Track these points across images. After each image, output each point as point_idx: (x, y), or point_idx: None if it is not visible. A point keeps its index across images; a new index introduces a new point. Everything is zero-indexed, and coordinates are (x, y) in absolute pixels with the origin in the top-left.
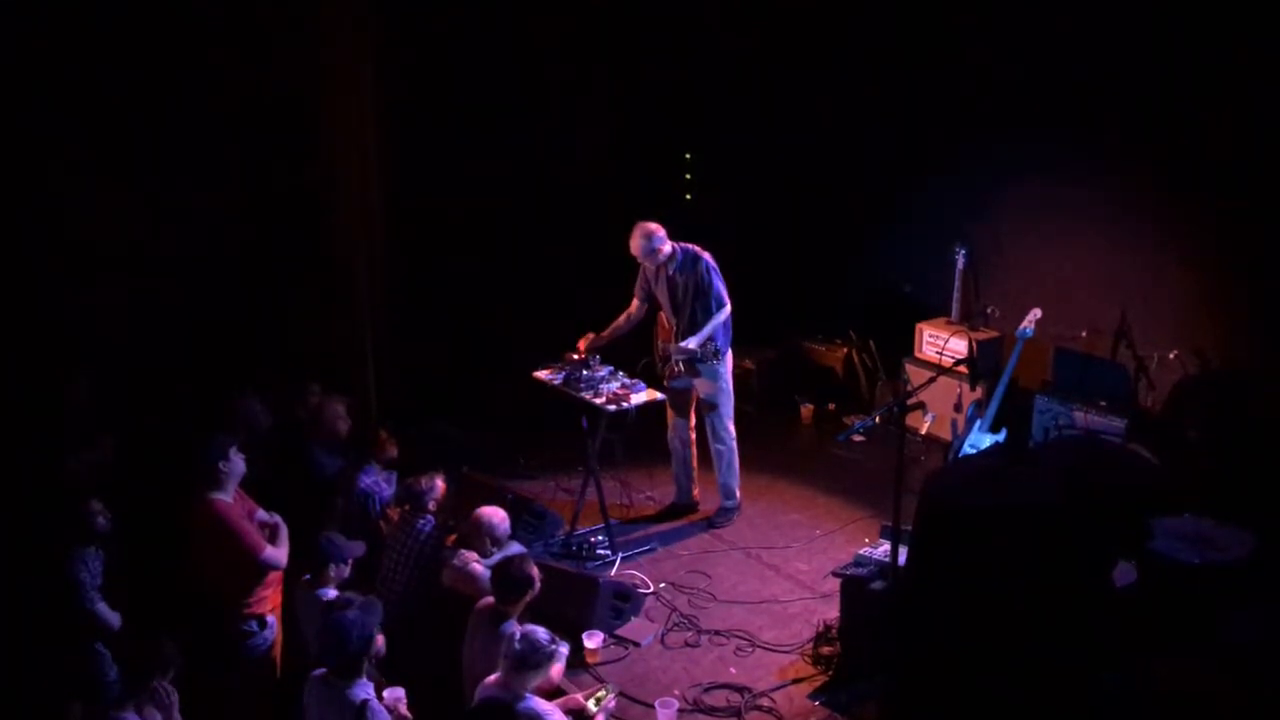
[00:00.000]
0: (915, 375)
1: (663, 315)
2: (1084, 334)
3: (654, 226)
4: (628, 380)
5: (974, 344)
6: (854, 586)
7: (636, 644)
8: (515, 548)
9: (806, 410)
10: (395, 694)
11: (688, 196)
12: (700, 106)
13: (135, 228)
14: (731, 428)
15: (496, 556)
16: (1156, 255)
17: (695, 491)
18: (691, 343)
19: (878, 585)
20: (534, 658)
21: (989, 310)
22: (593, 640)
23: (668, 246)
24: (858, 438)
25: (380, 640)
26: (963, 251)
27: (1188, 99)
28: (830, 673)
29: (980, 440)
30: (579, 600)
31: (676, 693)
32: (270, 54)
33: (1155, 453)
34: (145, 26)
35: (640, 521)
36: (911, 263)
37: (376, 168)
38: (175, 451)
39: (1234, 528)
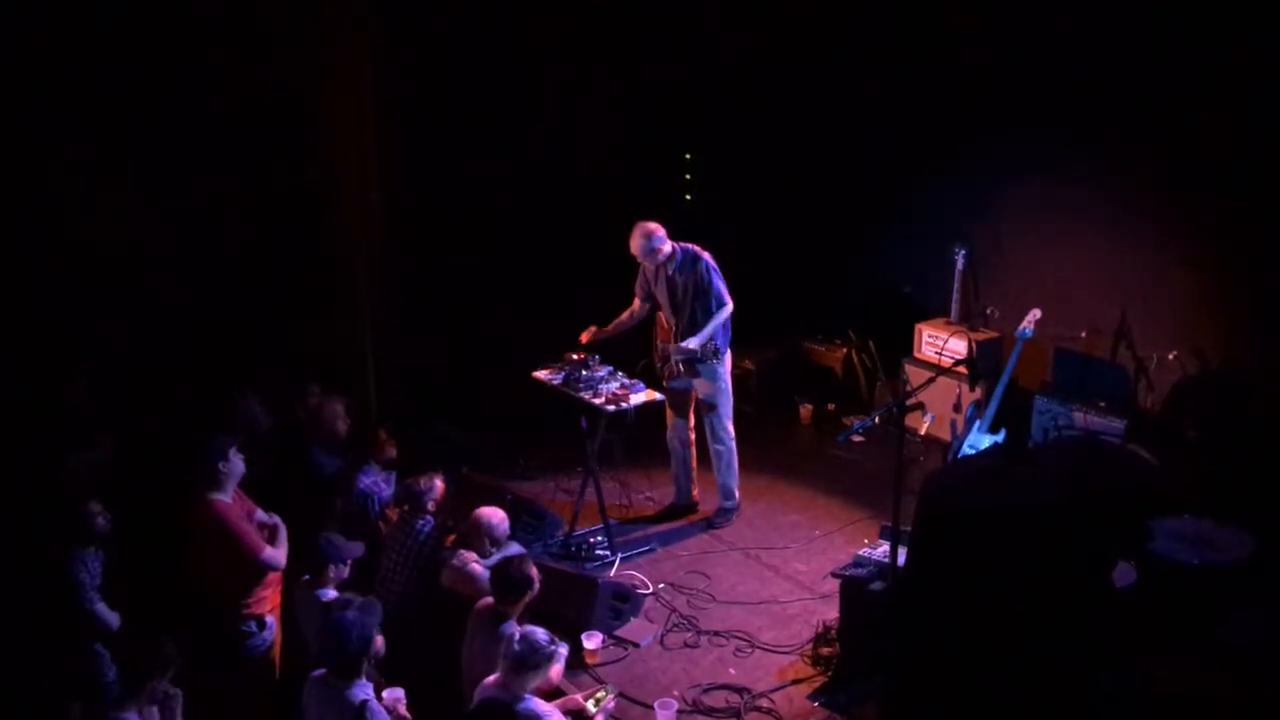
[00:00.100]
0: (914, 376)
1: (662, 315)
2: (1083, 334)
3: (654, 226)
4: (627, 380)
5: (973, 344)
6: (853, 587)
7: (636, 645)
8: (514, 548)
9: (806, 411)
10: (394, 694)
11: (687, 197)
12: (700, 106)
13: (135, 228)
14: (730, 428)
15: (496, 557)
16: (1156, 255)
17: (694, 492)
18: (693, 343)
19: (877, 586)
20: (533, 658)
21: (988, 311)
22: (592, 641)
23: (667, 246)
24: (857, 438)
25: (379, 641)
26: (962, 252)
27: (1188, 99)
28: (829, 673)
29: (979, 441)
30: (578, 601)
31: (676, 693)
32: (270, 54)
33: (1155, 453)
34: (145, 26)
35: (639, 522)
36: (911, 263)
37: (376, 168)
38: (175, 452)
39: (1233, 529)
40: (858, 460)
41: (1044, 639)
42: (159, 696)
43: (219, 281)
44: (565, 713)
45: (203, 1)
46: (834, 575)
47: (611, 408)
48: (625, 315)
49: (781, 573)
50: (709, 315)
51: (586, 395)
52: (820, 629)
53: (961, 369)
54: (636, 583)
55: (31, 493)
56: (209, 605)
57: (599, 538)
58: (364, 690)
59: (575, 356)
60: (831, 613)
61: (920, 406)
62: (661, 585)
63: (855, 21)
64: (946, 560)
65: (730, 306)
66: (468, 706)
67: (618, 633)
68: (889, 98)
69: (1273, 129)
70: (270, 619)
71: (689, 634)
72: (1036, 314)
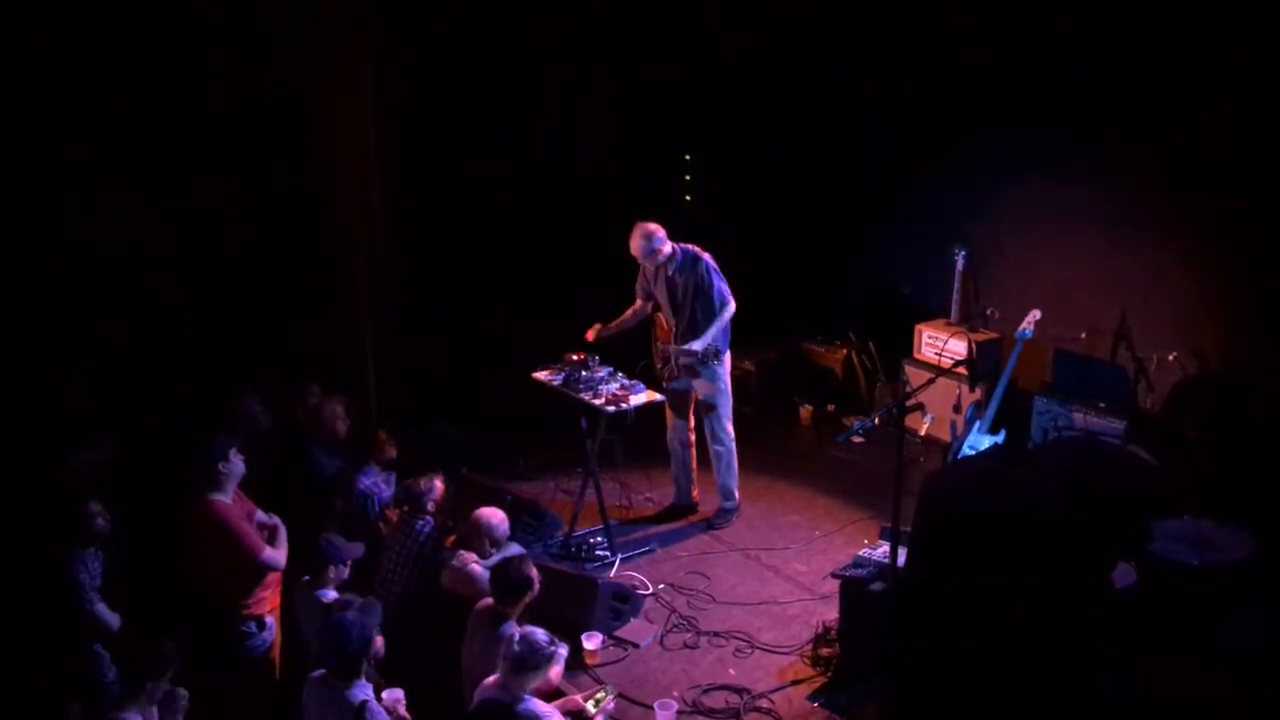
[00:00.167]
0: (914, 376)
1: (661, 316)
2: (1083, 335)
3: (653, 227)
4: (627, 381)
5: (973, 345)
6: (853, 588)
7: (635, 645)
8: (514, 549)
9: (805, 411)
10: (394, 695)
11: (687, 197)
12: (700, 106)
13: (135, 228)
14: (730, 429)
15: (495, 558)
16: (1156, 255)
17: (694, 493)
18: (698, 344)
19: (877, 587)
20: (533, 659)
21: (988, 311)
22: (592, 641)
23: (668, 247)
24: (857, 439)
25: (379, 641)
26: (962, 253)
27: (1188, 99)
28: (829, 674)
29: (979, 442)
30: (578, 601)
31: (675, 694)
32: (270, 54)
33: (1154, 454)
34: (145, 26)
35: (639, 523)
36: (911, 263)
37: (376, 168)
38: (175, 452)
39: (1233, 529)
40: (857, 461)
41: (1044, 639)
42: (159, 697)
43: (219, 281)
44: (565, 713)
45: (203, 1)
46: (834, 576)
47: (611, 408)
48: (629, 313)
49: (781, 573)
50: (709, 316)
51: (586, 396)
52: (820, 630)
53: (961, 370)
54: (636, 583)
55: (31, 493)
56: (209, 606)
57: (599, 538)
58: (363, 691)
59: (575, 357)
60: (831, 613)
61: (920, 407)
62: (661, 586)
63: (855, 21)
64: (946, 561)
65: (733, 306)
66: (467, 707)
67: (617, 633)
68: (889, 98)
69: (1273, 129)
70: (270, 619)
71: (689, 635)
72: (1036, 315)
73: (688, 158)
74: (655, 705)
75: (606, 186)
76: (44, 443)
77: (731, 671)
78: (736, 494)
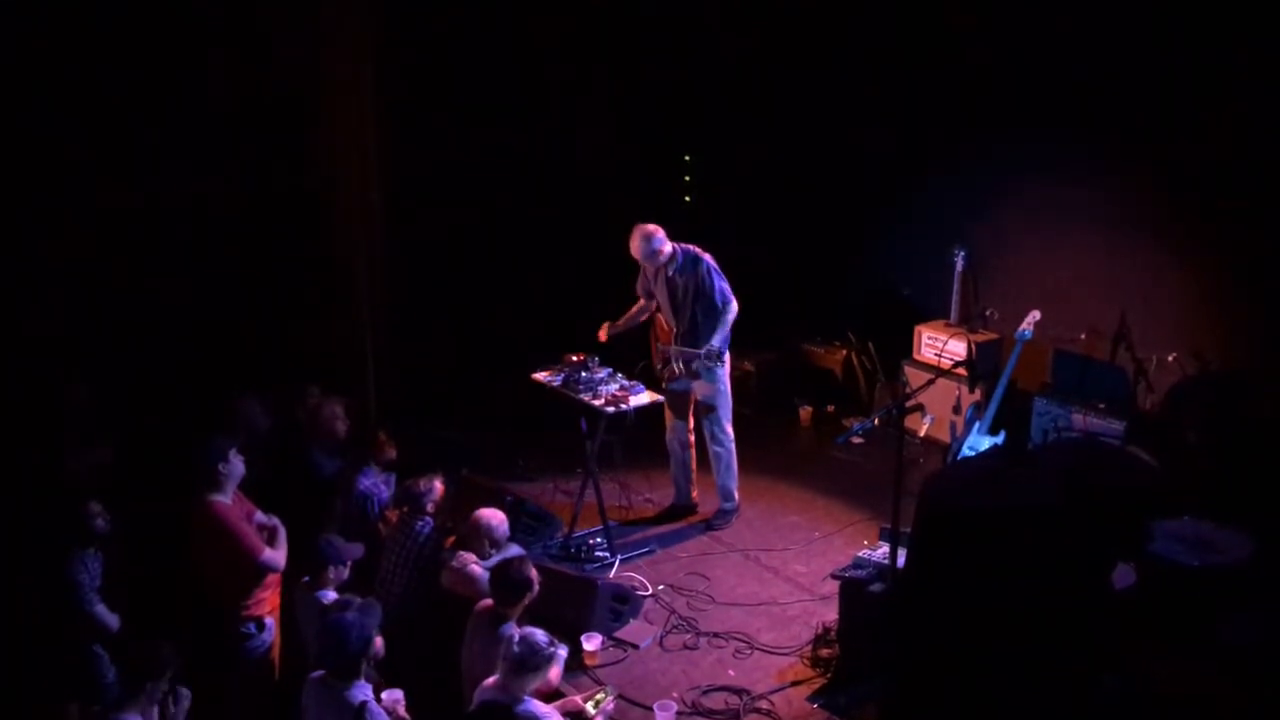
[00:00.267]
0: (914, 377)
1: (660, 317)
2: (1083, 336)
3: (652, 228)
4: (626, 382)
5: (973, 346)
6: (853, 589)
7: (635, 646)
8: (514, 550)
9: (805, 412)
10: (394, 696)
11: (686, 198)
12: (700, 106)
13: (135, 228)
14: (730, 430)
15: (495, 558)
16: (1156, 256)
17: (694, 493)
18: (716, 341)
19: (877, 587)
20: (533, 660)
21: (988, 312)
22: (591, 642)
23: (668, 247)
24: (856, 440)
25: (379, 642)
26: (962, 253)
27: (1188, 99)
28: (829, 675)
29: (979, 442)
30: (578, 602)
31: (675, 695)
32: (270, 54)
33: (1154, 455)
34: (145, 26)
35: (639, 523)
36: (911, 264)
37: (376, 168)
38: (174, 453)
39: (1233, 530)
40: (857, 462)
41: (1044, 639)
42: (159, 698)
43: (219, 281)
44: (564, 714)
45: (203, 1)
46: (833, 577)
47: (611, 409)
48: (635, 309)
49: (781, 574)
50: (709, 317)
51: (586, 397)
52: (820, 630)
53: (961, 371)
54: (636, 584)
55: (31, 493)
56: (208, 606)
57: (598, 539)
58: (363, 691)
59: (575, 358)
60: (831, 614)
61: (920, 408)
62: (661, 587)
63: (855, 21)
64: (946, 562)
65: (735, 305)
66: (467, 708)
67: (617, 634)
68: (889, 98)
69: (1273, 129)
70: (269, 620)
71: (688, 635)
72: (1036, 315)
73: (687, 158)
74: (655, 706)
75: (606, 186)
76: (44, 443)
77: (731, 672)
78: (736, 495)
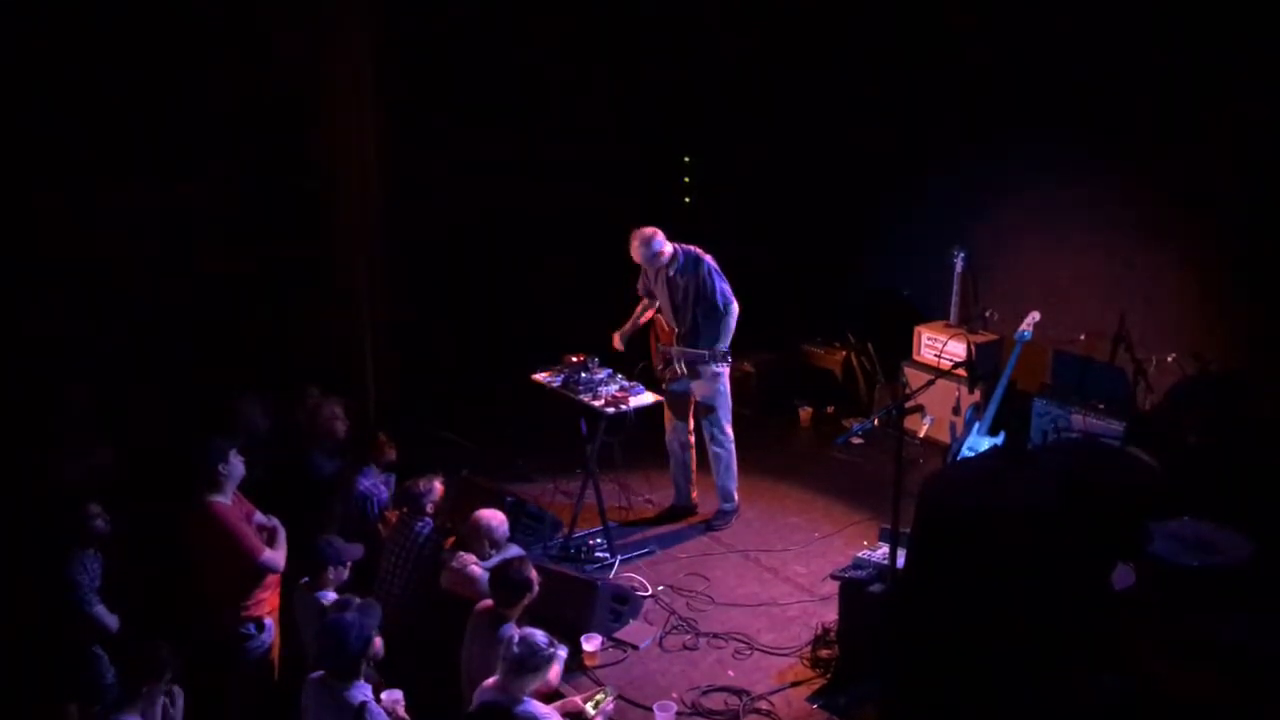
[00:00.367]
0: (914, 378)
1: (660, 318)
2: (1082, 337)
3: (651, 231)
4: (626, 383)
5: (972, 347)
6: (853, 589)
7: (635, 647)
8: (514, 550)
9: (805, 413)
10: (393, 696)
11: (686, 199)
12: (700, 106)
13: (135, 228)
14: (729, 430)
15: (495, 559)
16: (1156, 256)
17: (694, 494)
18: (722, 344)
19: (876, 588)
20: (532, 660)
21: (987, 313)
22: (591, 643)
23: (669, 248)
24: (856, 440)
25: (378, 642)
26: (961, 254)
27: (1188, 99)
28: (829, 676)
29: (979, 443)
30: (577, 603)
31: (675, 696)
32: (270, 54)
33: (1154, 456)
34: (145, 26)
35: (639, 524)
36: (910, 265)
37: (376, 168)
38: (174, 454)
39: (1233, 531)
40: (857, 463)
41: (1044, 640)
42: (157, 699)
43: (219, 281)
44: (564, 715)
45: (203, 1)
46: (833, 577)
47: (611, 410)
48: (638, 309)
49: (781, 575)
50: (710, 318)
51: (586, 398)
52: (819, 631)
53: (960, 371)
54: (636, 585)
55: (31, 494)
56: (208, 607)
57: (598, 540)
58: (363, 692)
59: (574, 359)
60: (831, 615)
61: (919, 409)
62: (661, 587)
63: (855, 21)
64: (945, 562)
65: (737, 307)
66: (466, 709)
67: (617, 635)
68: (889, 98)
69: (1273, 129)
70: (269, 621)
71: (688, 636)
72: (1035, 316)
73: (687, 159)
74: (654, 707)
75: (606, 187)
76: (44, 444)
77: (731, 673)
78: (736, 496)
